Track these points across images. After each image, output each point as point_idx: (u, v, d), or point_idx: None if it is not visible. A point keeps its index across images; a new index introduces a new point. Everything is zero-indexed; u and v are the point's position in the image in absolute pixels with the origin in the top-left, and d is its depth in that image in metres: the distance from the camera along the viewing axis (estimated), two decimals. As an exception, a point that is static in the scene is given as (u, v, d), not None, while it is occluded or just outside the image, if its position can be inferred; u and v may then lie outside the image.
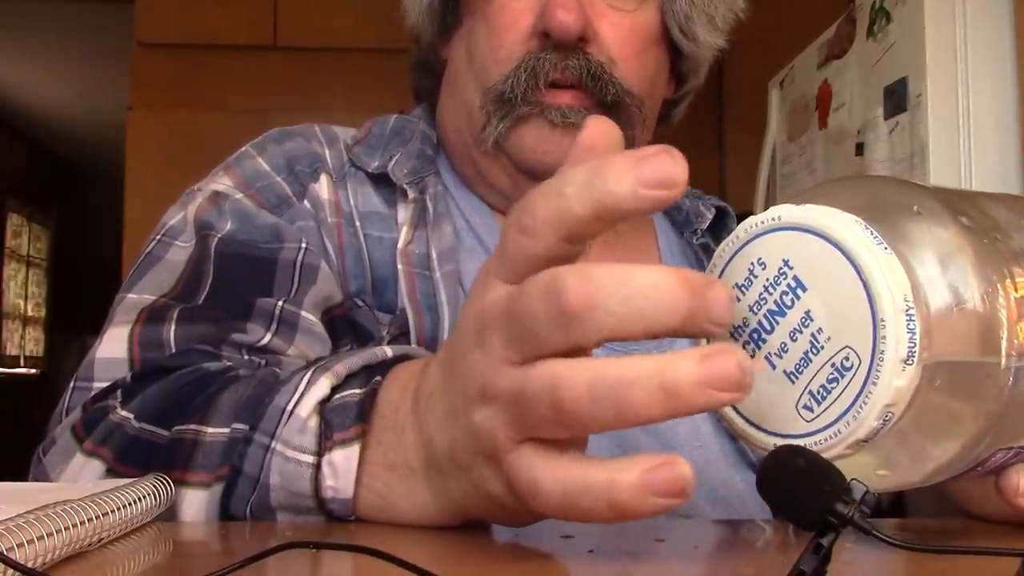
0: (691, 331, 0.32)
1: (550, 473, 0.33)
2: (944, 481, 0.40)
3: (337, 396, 0.44)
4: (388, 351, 0.47)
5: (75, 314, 6.12)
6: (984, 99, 1.39)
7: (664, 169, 0.31)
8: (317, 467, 0.43)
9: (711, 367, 0.30)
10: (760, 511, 0.61)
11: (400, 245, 0.66)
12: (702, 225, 0.76)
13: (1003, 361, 0.33)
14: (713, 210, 0.77)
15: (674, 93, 0.76)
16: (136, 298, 0.59)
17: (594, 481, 0.32)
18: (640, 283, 0.31)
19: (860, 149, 1.58)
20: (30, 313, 6.30)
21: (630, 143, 0.64)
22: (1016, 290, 0.34)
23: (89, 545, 0.35)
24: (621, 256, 0.72)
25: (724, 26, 0.72)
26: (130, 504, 0.39)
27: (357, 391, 0.44)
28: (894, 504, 0.65)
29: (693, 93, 0.78)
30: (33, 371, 6.22)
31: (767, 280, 0.34)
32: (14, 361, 6.05)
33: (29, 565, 0.30)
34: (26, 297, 6.24)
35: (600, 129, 0.34)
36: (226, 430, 0.46)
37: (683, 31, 0.69)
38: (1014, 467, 0.39)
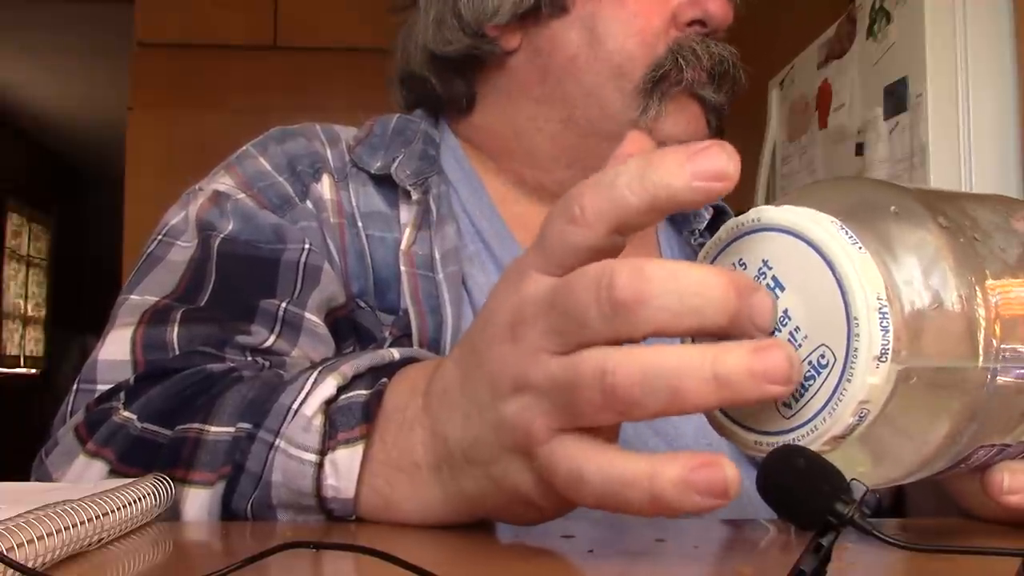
0: (734, 332, 0.32)
1: (594, 462, 0.34)
2: (935, 480, 0.40)
3: (343, 396, 0.44)
4: (395, 353, 0.47)
5: (75, 314, 6.12)
6: (984, 99, 1.39)
7: (718, 162, 0.32)
8: (319, 466, 0.43)
9: (764, 359, 0.31)
10: (766, 509, 0.61)
11: (403, 246, 0.66)
12: (700, 225, 0.76)
13: (980, 360, 0.33)
14: (711, 209, 0.78)
15: None
16: (138, 299, 0.59)
17: (638, 473, 0.32)
18: (692, 280, 0.31)
19: (860, 149, 1.58)
20: (30, 313, 6.31)
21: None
22: (993, 290, 0.34)
23: (89, 545, 0.35)
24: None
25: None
26: (130, 504, 0.39)
27: (363, 392, 0.44)
28: (894, 504, 0.65)
29: None
30: (33, 371, 6.22)
31: None
32: (14, 361, 6.05)
33: (29, 565, 0.30)
34: (26, 297, 6.24)
35: (639, 142, 0.36)
36: (230, 429, 0.46)
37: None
38: (997, 465, 0.39)
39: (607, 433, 0.35)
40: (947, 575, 0.34)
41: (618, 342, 0.33)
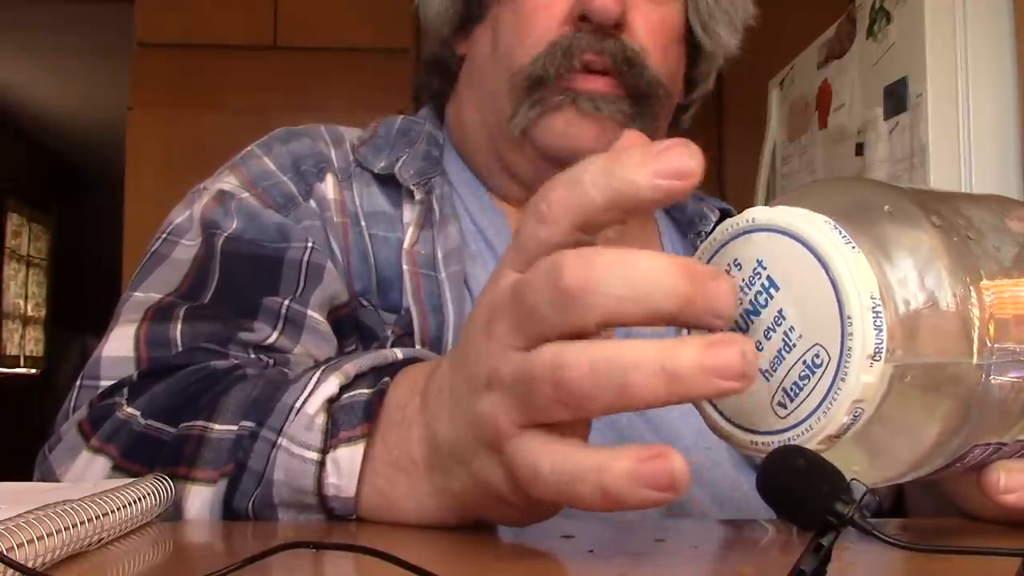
0: (691, 320, 0.32)
1: (548, 457, 0.34)
2: (933, 479, 0.40)
3: (345, 395, 0.44)
4: (398, 353, 0.47)
5: (75, 314, 6.12)
6: (984, 99, 1.39)
7: (681, 160, 0.31)
8: (321, 464, 0.43)
9: (714, 354, 0.30)
10: (766, 513, 0.61)
11: (406, 246, 0.66)
12: (705, 227, 0.76)
13: (974, 359, 0.33)
14: (717, 212, 0.77)
15: (684, 98, 0.77)
16: (142, 297, 0.59)
17: (587, 466, 0.32)
18: (640, 267, 0.31)
19: (860, 149, 1.58)
20: (30, 313, 6.30)
21: (655, 136, 0.65)
22: (987, 289, 0.34)
23: (89, 545, 0.35)
24: None
25: (740, 29, 0.73)
26: (130, 504, 0.39)
27: (366, 391, 0.44)
28: (894, 504, 0.65)
29: (701, 99, 0.79)
30: (33, 371, 6.22)
31: (742, 281, 0.35)
32: (14, 361, 6.05)
33: (29, 565, 0.30)
34: (26, 297, 6.24)
35: (634, 139, 0.36)
36: (234, 427, 0.46)
37: (705, 28, 0.71)
38: (993, 464, 0.39)
39: (574, 431, 0.35)
40: (947, 575, 0.34)
41: (575, 334, 0.33)
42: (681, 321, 0.32)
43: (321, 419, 0.44)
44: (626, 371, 0.31)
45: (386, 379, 0.44)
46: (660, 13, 0.68)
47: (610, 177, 0.32)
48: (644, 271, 0.31)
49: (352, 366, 0.45)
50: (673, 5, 0.69)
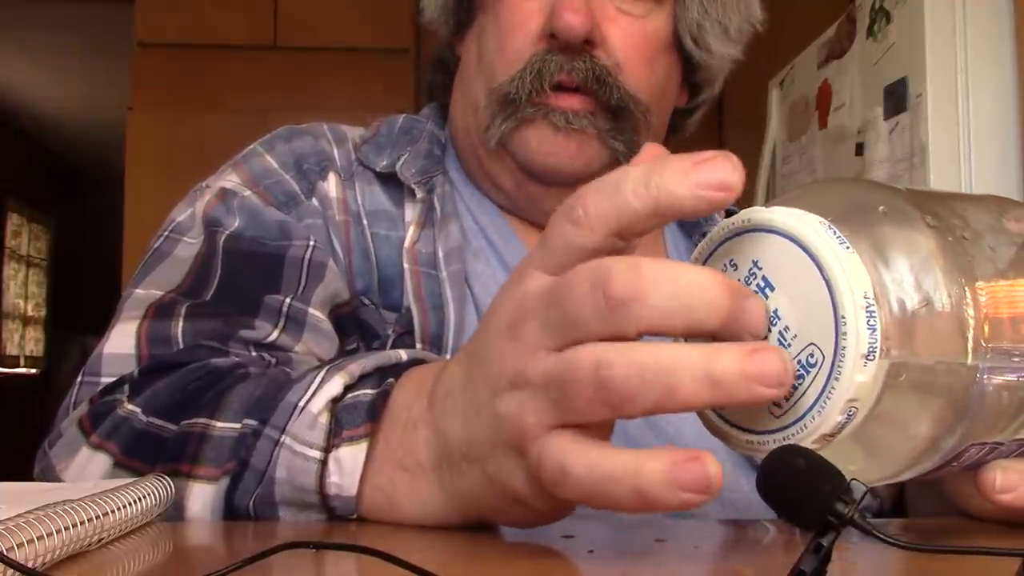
0: (726, 334, 0.32)
1: (581, 458, 0.34)
2: (930, 479, 0.40)
3: (349, 395, 0.44)
4: (403, 354, 0.47)
5: (75, 314, 6.12)
6: (984, 99, 1.39)
7: (722, 172, 0.32)
8: (323, 463, 0.43)
9: (757, 361, 0.31)
10: (765, 513, 0.61)
11: (407, 244, 0.66)
12: (710, 228, 0.76)
13: (968, 359, 0.33)
14: (723, 213, 0.77)
15: (687, 103, 0.76)
16: (144, 294, 0.59)
17: (623, 468, 0.32)
18: (687, 280, 0.32)
19: (860, 149, 1.58)
20: (30, 313, 6.30)
21: (634, 150, 0.65)
22: (982, 289, 0.34)
23: (89, 545, 0.35)
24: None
25: (739, 37, 0.72)
26: (130, 504, 0.39)
27: (370, 391, 0.44)
28: (895, 505, 0.65)
29: (707, 103, 0.78)
30: (33, 371, 6.22)
31: (738, 281, 0.35)
32: (14, 361, 6.05)
33: (29, 565, 0.30)
34: (26, 297, 6.24)
35: (653, 154, 0.36)
36: (236, 425, 0.46)
37: (695, 40, 0.69)
38: (990, 464, 0.39)
39: (599, 432, 0.35)
40: (947, 575, 0.34)
41: (612, 339, 0.33)
42: (717, 335, 0.33)
43: (324, 418, 0.44)
44: (671, 374, 0.31)
45: (391, 380, 0.44)
46: (640, 26, 0.67)
47: (650, 187, 0.32)
48: (689, 284, 0.32)
49: (357, 366, 0.45)
50: (657, 17, 0.67)
